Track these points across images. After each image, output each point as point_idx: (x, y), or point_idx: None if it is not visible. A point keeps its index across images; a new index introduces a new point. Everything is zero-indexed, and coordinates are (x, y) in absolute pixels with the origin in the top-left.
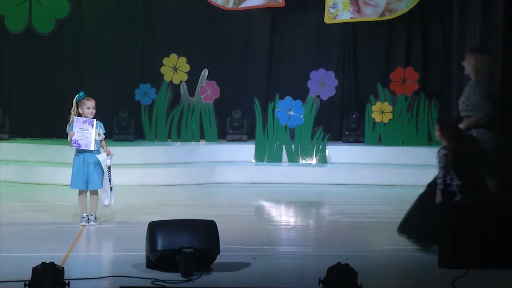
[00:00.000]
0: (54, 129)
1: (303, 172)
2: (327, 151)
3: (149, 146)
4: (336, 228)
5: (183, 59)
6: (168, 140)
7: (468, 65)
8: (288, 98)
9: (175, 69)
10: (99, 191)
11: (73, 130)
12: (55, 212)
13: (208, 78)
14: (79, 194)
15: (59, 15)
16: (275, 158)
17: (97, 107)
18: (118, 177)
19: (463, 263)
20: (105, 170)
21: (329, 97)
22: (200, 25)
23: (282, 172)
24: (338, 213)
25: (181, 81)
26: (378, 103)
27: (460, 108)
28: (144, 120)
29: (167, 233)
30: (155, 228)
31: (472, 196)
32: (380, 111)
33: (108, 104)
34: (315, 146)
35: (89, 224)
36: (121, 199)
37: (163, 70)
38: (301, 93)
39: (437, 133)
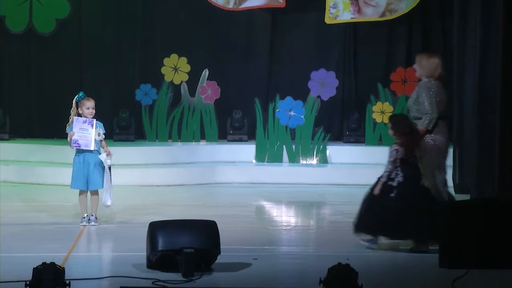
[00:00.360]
0: (55, 129)
1: (304, 173)
2: (327, 151)
3: (149, 146)
4: (336, 228)
5: (183, 59)
6: (169, 140)
7: (419, 68)
8: (288, 98)
9: (175, 69)
10: (100, 191)
11: (73, 130)
12: (56, 212)
13: (209, 78)
14: (80, 194)
15: (59, 15)
16: (276, 158)
17: (97, 107)
18: (119, 177)
19: (463, 263)
20: (107, 170)
21: (330, 97)
22: (201, 25)
23: (283, 173)
24: (339, 213)
25: (181, 81)
26: (379, 103)
27: (408, 108)
28: (144, 120)
29: (168, 233)
30: (155, 228)
31: (407, 195)
32: (381, 111)
33: (108, 104)
34: (316, 146)
35: (90, 224)
36: (121, 199)
37: (163, 70)
38: (301, 93)
39: (389, 131)
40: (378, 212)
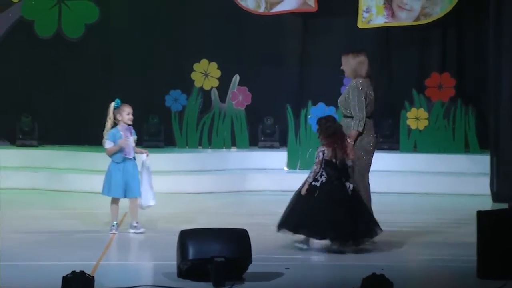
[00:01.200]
0: (83, 135)
1: None
2: None
3: (179, 153)
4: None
5: (214, 65)
6: (199, 147)
7: (346, 68)
8: (321, 105)
9: (206, 74)
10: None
11: (122, 139)
12: (85, 219)
13: (240, 84)
14: (113, 202)
15: (88, 19)
16: (308, 166)
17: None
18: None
19: (501, 273)
20: (149, 170)
21: None
22: (231, 30)
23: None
24: None
25: (212, 87)
26: (413, 110)
27: (340, 106)
28: (174, 126)
29: (199, 241)
30: (186, 236)
31: (326, 196)
32: (416, 118)
33: (137, 110)
34: None
35: (137, 231)
36: (151, 207)
37: (193, 76)
38: (334, 99)
39: (318, 133)
40: (300, 211)
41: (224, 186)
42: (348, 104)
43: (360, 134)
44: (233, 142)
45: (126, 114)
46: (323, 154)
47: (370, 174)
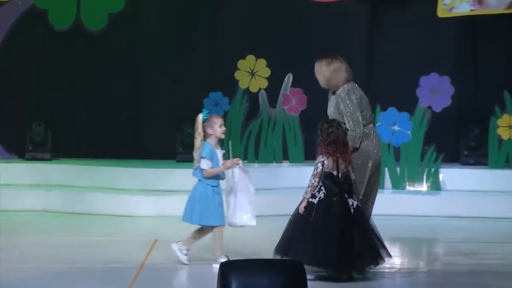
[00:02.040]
0: (105, 147)
1: (411, 201)
2: (441, 176)
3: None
4: (453, 272)
5: (262, 62)
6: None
7: (319, 77)
8: (391, 110)
9: (252, 73)
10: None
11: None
12: (107, 249)
13: (293, 84)
14: (217, 231)
15: (112, 9)
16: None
17: (158, 121)
18: (179, 205)
19: None
20: (247, 182)
21: (443, 108)
22: (284, 21)
23: (385, 201)
24: (456, 253)
25: (259, 89)
26: (505, 116)
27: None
28: None
29: (243, 275)
30: (228, 269)
31: (323, 215)
32: (508, 126)
33: (171, 117)
34: (426, 169)
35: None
36: (184, 233)
37: (237, 75)
38: (408, 104)
39: (318, 140)
40: (296, 233)
41: (274, 208)
42: (340, 117)
43: (356, 150)
44: (285, 155)
45: (218, 126)
46: (323, 166)
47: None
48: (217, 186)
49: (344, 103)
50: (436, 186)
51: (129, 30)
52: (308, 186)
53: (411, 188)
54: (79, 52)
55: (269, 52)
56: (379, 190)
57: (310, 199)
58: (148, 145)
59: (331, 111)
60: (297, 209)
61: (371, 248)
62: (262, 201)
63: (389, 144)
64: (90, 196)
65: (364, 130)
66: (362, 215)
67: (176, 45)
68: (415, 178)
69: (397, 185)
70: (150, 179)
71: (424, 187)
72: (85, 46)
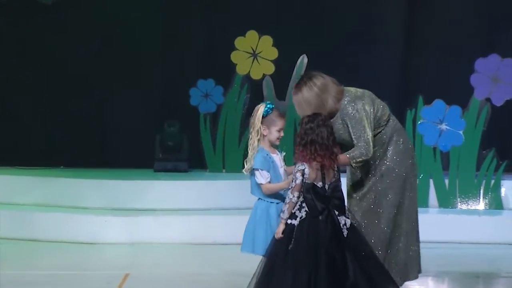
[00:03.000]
0: (62, 153)
1: (464, 224)
2: (503, 190)
3: (213, 181)
4: None
5: (267, 40)
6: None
7: (302, 111)
8: (438, 103)
9: (254, 55)
10: None
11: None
12: (64, 287)
13: (308, 69)
14: None
15: None
16: (419, 200)
17: (133, 117)
18: (164, 230)
19: None
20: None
21: (506, 100)
22: None
23: (429, 223)
24: None
25: (264, 75)
26: None
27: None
28: (204, 138)
29: None
30: None
31: (308, 239)
32: None
33: (148, 113)
34: (484, 182)
35: None
36: (172, 265)
37: (235, 56)
38: (459, 95)
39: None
40: (275, 267)
41: None
42: (348, 138)
43: (350, 165)
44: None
45: (277, 130)
46: (303, 176)
47: None
48: (277, 203)
49: (354, 119)
50: (496, 204)
51: (99, 2)
52: (285, 203)
53: (464, 207)
54: (25, 30)
55: (277, 27)
56: (423, 208)
57: (289, 220)
58: (118, 150)
59: (341, 136)
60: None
61: (371, 282)
62: None
63: (434, 149)
64: (40, 217)
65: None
66: (359, 237)
67: (154, 18)
68: (469, 194)
69: (446, 202)
70: (120, 194)
71: (481, 205)
72: (32, 22)
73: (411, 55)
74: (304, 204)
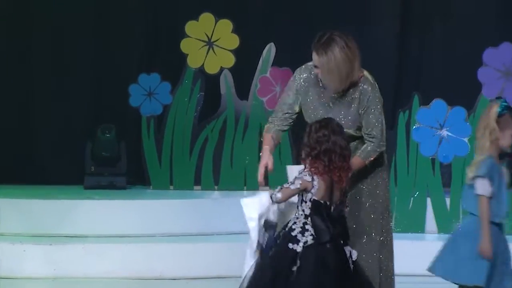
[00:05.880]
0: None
1: None
2: None
3: (157, 200)
4: None
5: (225, 25)
6: (195, 188)
7: (333, 78)
8: (438, 104)
9: (209, 44)
10: None
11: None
12: None
13: (277, 61)
14: None
15: None
16: (412, 224)
17: (59, 120)
18: (96, 261)
19: None
20: None
21: None
22: None
23: (426, 252)
24: None
25: (222, 69)
26: None
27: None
28: (147, 146)
29: None
30: None
31: (316, 274)
32: None
33: (77, 117)
34: None
35: None
36: None
37: (185, 45)
38: (464, 93)
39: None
40: None
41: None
42: (362, 119)
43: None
44: (264, 179)
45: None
46: (313, 187)
47: None
48: (502, 224)
49: (376, 103)
50: (510, 229)
51: None
52: (280, 188)
53: None
54: None
55: (238, 8)
56: (419, 234)
57: (290, 245)
58: (40, 163)
59: (350, 121)
60: (273, 257)
61: None
62: (224, 251)
63: (433, 160)
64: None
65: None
66: (363, 273)
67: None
68: None
69: (447, 227)
70: (42, 217)
71: None
72: None
73: (404, 44)
74: (308, 227)
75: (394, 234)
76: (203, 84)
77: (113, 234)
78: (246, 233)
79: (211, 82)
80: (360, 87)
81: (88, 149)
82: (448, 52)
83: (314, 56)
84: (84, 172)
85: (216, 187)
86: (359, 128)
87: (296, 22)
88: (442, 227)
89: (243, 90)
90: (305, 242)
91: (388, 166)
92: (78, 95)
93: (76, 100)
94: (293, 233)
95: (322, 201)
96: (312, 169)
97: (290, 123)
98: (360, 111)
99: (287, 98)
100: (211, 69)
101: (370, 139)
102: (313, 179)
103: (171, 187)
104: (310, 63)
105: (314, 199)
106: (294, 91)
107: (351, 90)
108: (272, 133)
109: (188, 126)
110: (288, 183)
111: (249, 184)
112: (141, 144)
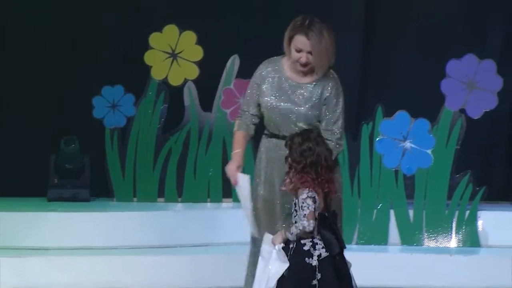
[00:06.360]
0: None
1: (432, 265)
2: (480, 223)
3: (121, 212)
4: None
5: (189, 36)
6: (159, 200)
7: (323, 59)
8: (401, 115)
9: (173, 55)
10: None
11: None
12: None
13: (241, 73)
14: None
15: None
16: (375, 236)
17: (21, 132)
18: (60, 274)
19: None
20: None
21: (485, 112)
22: None
23: (389, 264)
24: None
25: (185, 80)
26: None
27: (299, 113)
28: (110, 158)
29: None
30: None
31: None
32: None
33: (40, 128)
34: (457, 213)
35: None
36: None
37: (150, 57)
38: (427, 105)
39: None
40: None
41: (205, 279)
42: (320, 109)
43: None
44: (227, 191)
45: None
46: (315, 203)
47: None
48: None
49: (338, 93)
50: (472, 241)
51: None
52: (297, 228)
53: (432, 244)
54: None
55: (202, 20)
56: (381, 246)
57: (307, 259)
58: (3, 175)
59: (306, 109)
60: (292, 273)
61: None
62: (194, 264)
63: (396, 172)
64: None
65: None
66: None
67: (51, 10)
68: (439, 228)
69: (410, 238)
70: (5, 230)
71: (453, 242)
72: None
73: (369, 56)
74: (316, 241)
75: (357, 246)
76: (167, 96)
77: (76, 247)
78: (209, 245)
79: (175, 94)
80: (327, 78)
81: (51, 162)
82: (411, 63)
83: (303, 39)
84: (47, 184)
85: (179, 199)
86: (317, 119)
87: (260, 34)
88: (405, 239)
89: (207, 102)
90: (319, 256)
91: (340, 166)
92: (42, 107)
93: (40, 112)
94: (305, 248)
95: (326, 214)
96: (303, 182)
97: (259, 116)
98: (322, 103)
99: (252, 92)
100: (175, 81)
101: (329, 137)
102: (314, 195)
103: (135, 199)
104: (275, 57)
105: (319, 213)
106: (258, 84)
107: (317, 80)
108: (243, 130)
109: (152, 138)
110: (303, 209)
111: (212, 196)
112: (105, 156)
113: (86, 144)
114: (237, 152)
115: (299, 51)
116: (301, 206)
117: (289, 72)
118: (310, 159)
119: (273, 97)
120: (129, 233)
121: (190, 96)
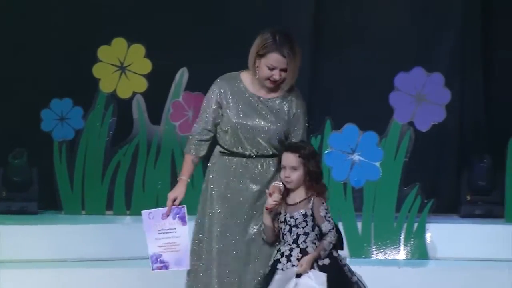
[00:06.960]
0: None
1: (381, 277)
2: (428, 236)
3: (69, 225)
4: None
5: (138, 49)
6: (107, 213)
7: (293, 74)
8: (349, 128)
9: (122, 68)
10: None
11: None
12: None
13: (190, 86)
14: None
15: None
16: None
17: None
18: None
19: None
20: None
21: (433, 125)
22: None
23: None
24: None
25: (134, 93)
26: None
27: (267, 135)
28: (59, 171)
29: None
30: None
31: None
32: None
33: None
34: (405, 225)
35: None
36: None
37: (98, 70)
38: (375, 118)
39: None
40: None
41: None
42: (291, 128)
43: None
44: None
45: None
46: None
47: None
48: None
49: (305, 111)
50: (420, 253)
51: None
52: (329, 243)
53: (381, 256)
54: None
55: (150, 33)
56: None
57: (320, 262)
58: None
59: (276, 125)
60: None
61: None
62: (141, 277)
63: (345, 184)
64: None
65: None
66: None
67: None
68: (387, 240)
69: (358, 251)
70: None
71: (401, 254)
72: None
73: (317, 69)
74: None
75: None
76: (115, 108)
77: (24, 259)
78: None
79: (123, 107)
80: (291, 92)
81: None
82: (359, 76)
83: (278, 57)
84: None
85: (128, 211)
86: (284, 135)
87: (208, 47)
88: (353, 252)
89: (155, 115)
90: (342, 260)
91: None
92: None
93: None
94: (339, 258)
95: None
96: (321, 193)
97: (212, 136)
98: (291, 119)
99: (210, 110)
100: (123, 94)
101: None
102: (328, 207)
103: (83, 212)
104: (231, 73)
105: None
106: (217, 101)
107: (282, 95)
108: (193, 153)
109: (100, 150)
110: (327, 223)
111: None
112: (53, 169)
113: (34, 156)
114: (182, 179)
115: (272, 69)
116: (325, 216)
117: (252, 88)
118: (321, 169)
119: (241, 114)
120: (77, 246)
121: (139, 109)
